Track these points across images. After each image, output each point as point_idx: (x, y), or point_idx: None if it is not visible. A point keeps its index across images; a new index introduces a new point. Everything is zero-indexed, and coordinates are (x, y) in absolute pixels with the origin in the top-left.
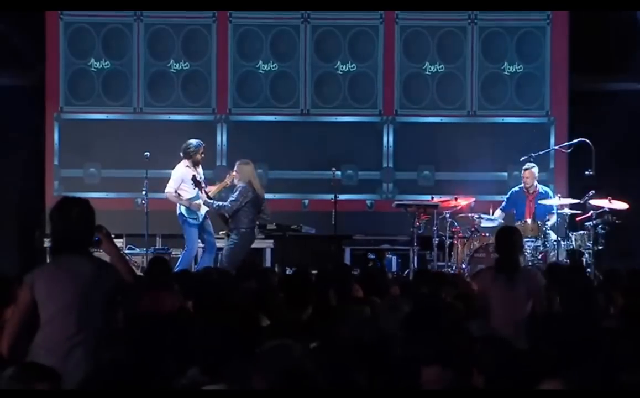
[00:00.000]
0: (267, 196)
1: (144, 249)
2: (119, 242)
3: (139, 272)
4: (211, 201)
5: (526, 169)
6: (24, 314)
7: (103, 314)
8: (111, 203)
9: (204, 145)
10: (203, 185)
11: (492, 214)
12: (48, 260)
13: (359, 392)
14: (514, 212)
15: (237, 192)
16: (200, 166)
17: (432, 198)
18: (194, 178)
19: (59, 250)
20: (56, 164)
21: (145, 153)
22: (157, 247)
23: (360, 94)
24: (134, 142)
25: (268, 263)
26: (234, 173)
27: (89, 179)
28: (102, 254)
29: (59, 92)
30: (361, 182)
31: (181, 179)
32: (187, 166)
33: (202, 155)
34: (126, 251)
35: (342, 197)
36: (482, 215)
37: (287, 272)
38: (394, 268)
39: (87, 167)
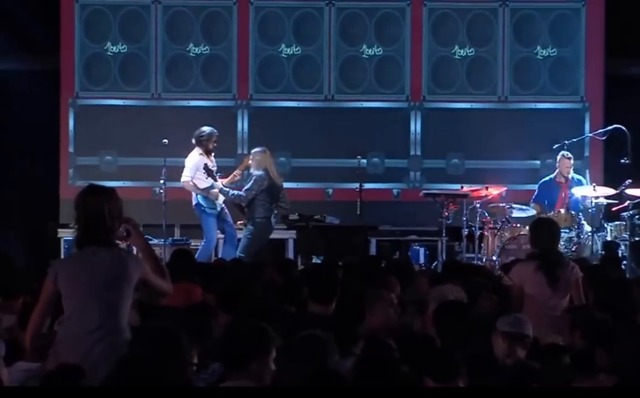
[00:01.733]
0: (290, 185)
1: (162, 240)
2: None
3: None
4: (226, 190)
5: (567, 157)
6: (47, 306)
7: (127, 310)
8: (128, 193)
9: (217, 133)
10: (215, 174)
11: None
12: (62, 252)
13: (366, 389)
14: (545, 202)
15: (252, 181)
16: (212, 155)
17: (462, 187)
18: (205, 167)
19: (84, 241)
20: (71, 151)
21: (164, 140)
22: (175, 237)
23: (387, 79)
24: (151, 129)
25: (290, 255)
26: (249, 161)
27: (105, 167)
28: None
29: (74, 77)
30: (387, 171)
31: (196, 167)
32: (201, 154)
33: (215, 144)
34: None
35: (367, 186)
36: (514, 205)
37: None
38: (422, 260)
39: (103, 154)
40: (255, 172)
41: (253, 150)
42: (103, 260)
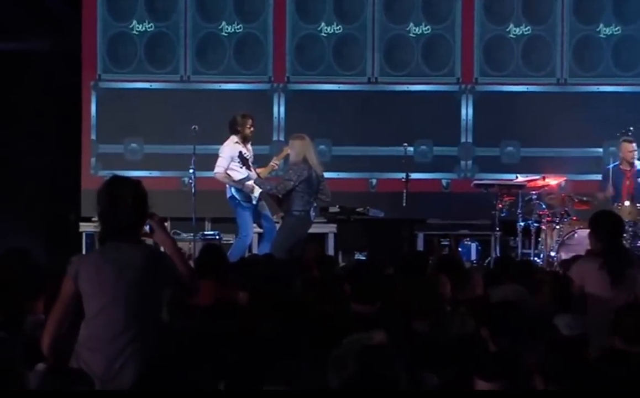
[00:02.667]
0: (330, 175)
1: (192, 234)
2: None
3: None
4: (262, 181)
5: (628, 141)
6: (66, 308)
7: (155, 310)
8: (154, 183)
9: (250, 117)
10: (251, 163)
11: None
12: (84, 247)
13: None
14: (611, 189)
15: (290, 170)
16: (249, 143)
17: (517, 177)
18: (240, 155)
19: (107, 236)
20: (93, 138)
21: (193, 127)
22: (206, 232)
23: (436, 60)
24: (180, 114)
25: (330, 251)
26: (287, 149)
27: (130, 155)
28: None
29: (97, 58)
30: (436, 159)
31: (230, 157)
32: (236, 142)
33: (252, 129)
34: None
35: (414, 175)
36: (574, 197)
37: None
38: (473, 256)
39: (128, 142)
40: (294, 161)
41: (291, 137)
42: (129, 258)
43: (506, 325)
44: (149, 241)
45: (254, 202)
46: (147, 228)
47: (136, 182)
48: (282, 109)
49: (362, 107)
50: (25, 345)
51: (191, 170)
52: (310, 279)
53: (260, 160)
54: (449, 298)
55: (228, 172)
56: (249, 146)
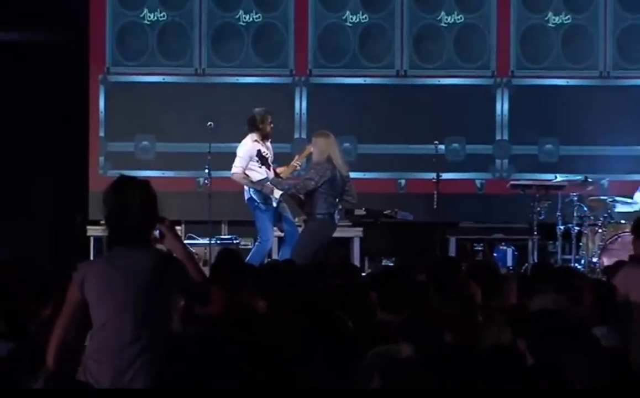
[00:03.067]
0: (355, 175)
1: (207, 239)
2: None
3: (202, 267)
4: (281, 181)
5: None
6: (72, 317)
7: (167, 319)
8: (167, 184)
9: (269, 113)
10: (270, 162)
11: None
12: (92, 252)
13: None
14: None
15: (312, 170)
16: (269, 141)
17: (556, 177)
18: (259, 154)
19: (115, 241)
20: (102, 135)
21: (209, 123)
22: (222, 236)
23: (469, 52)
24: (195, 110)
25: (356, 257)
26: (310, 147)
27: (141, 154)
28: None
29: (105, 49)
30: (469, 158)
31: (249, 156)
32: (256, 140)
33: (271, 126)
34: (186, 241)
35: (446, 176)
36: (617, 198)
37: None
38: (509, 262)
39: (139, 139)
40: (317, 160)
41: (315, 135)
42: (137, 263)
43: (545, 337)
44: (160, 246)
45: (274, 204)
46: (157, 233)
47: (145, 183)
48: (304, 104)
49: (390, 102)
50: (31, 355)
51: (207, 170)
52: (334, 286)
53: (280, 160)
54: (480, 307)
55: (246, 172)
56: (268, 144)
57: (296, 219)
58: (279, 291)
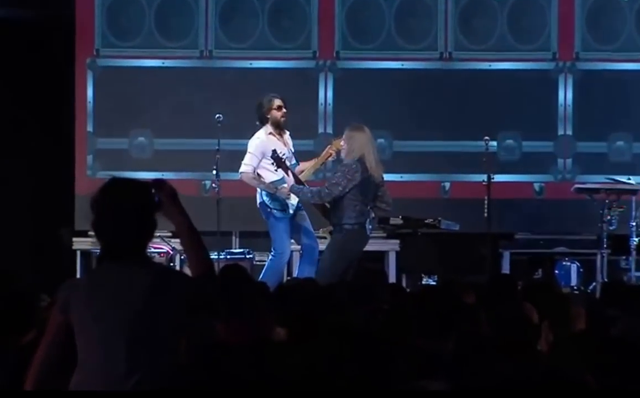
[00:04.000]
0: (391, 177)
1: (216, 253)
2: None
3: None
4: (300, 187)
5: None
6: (55, 346)
7: (167, 349)
8: None
9: (277, 96)
10: (290, 161)
11: None
12: (79, 269)
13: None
14: None
15: (339, 172)
16: (287, 135)
17: (629, 179)
18: (274, 154)
19: (107, 255)
20: (90, 131)
21: (217, 115)
22: (233, 249)
23: (526, 30)
24: (200, 100)
25: (392, 274)
26: (340, 143)
27: (136, 152)
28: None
29: (95, 28)
30: (526, 157)
31: (262, 153)
32: (270, 134)
33: (282, 112)
34: None
35: (498, 178)
36: None
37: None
38: (574, 280)
39: (134, 135)
40: (347, 160)
41: (350, 128)
42: (134, 282)
43: (617, 369)
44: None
45: (291, 212)
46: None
47: (141, 186)
48: (330, 93)
49: (432, 91)
50: (9, 387)
51: (214, 171)
52: (372, 309)
53: (303, 157)
54: (540, 335)
55: (258, 171)
56: (287, 138)
57: (319, 231)
58: (300, 316)
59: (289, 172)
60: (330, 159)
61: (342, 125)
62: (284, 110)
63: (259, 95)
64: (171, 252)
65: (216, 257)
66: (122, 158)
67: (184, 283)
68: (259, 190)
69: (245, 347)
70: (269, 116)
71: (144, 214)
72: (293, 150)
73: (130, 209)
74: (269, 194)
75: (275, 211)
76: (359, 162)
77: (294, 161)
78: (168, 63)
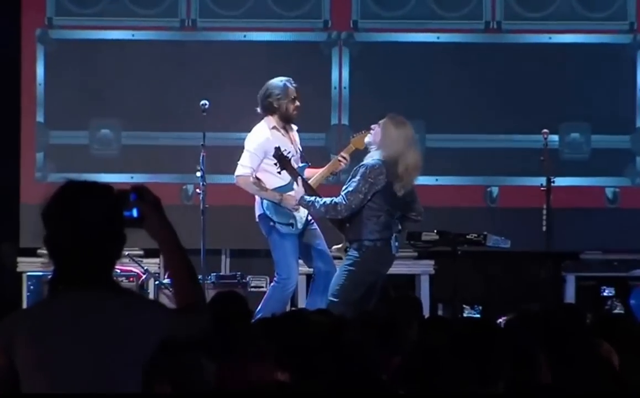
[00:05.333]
0: (423, 180)
1: (200, 276)
2: (153, 264)
3: None
4: (311, 199)
5: None
6: None
7: (139, 390)
8: None
9: (295, 86)
10: (295, 163)
11: None
12: (26, 297)
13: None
14: None
15: (359, 174)
16: (295, 130)
17: None
18: (277, 152)
19: (62, 280)
20: (40, 121)
21: (202, 102)
22: (223, 273)
23: None
24: (180, 83)
25: (425, 302)
26: (365, 136)
27: (99, 148)
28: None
29: None
30: (596, 155)
31: (264, 152)
32: (274, 128)
33: (297, 105)
34: (166, 281)
35: (560, 181)
36: None
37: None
38: None
39: (97, 126)
40: (369, 160)
41: (388, 118)
42: (96, 313)
43: None
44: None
45: (299, 226)
46: (134, 213)
47: (106, 190)
48: (346, 73)
49: (476, 71)
50: None
51: (199, 173)
52: (397, 351)
53: (312, 157)
54: (620, 382)
55: (258, 175)
56: (294, 134)
57: (332, 249)
58: (308, 358)
59: (298, 177)
60: (342, 166)
61: (361, 115)
62: (297, 102)
63: (254, 76)
64: (143, 276)
65: (201, 280)
66: (80, 156)
67: (161, 315)
68: (258, 198)
69: (241, 395)
70: (278, 106)
71: (111, 227)
72: (301, 149)
73: (93, 221)
74: (271, 204)
75: (279, 225)
76: (383, 163)
77: (301, 163)
78: (140, 35)
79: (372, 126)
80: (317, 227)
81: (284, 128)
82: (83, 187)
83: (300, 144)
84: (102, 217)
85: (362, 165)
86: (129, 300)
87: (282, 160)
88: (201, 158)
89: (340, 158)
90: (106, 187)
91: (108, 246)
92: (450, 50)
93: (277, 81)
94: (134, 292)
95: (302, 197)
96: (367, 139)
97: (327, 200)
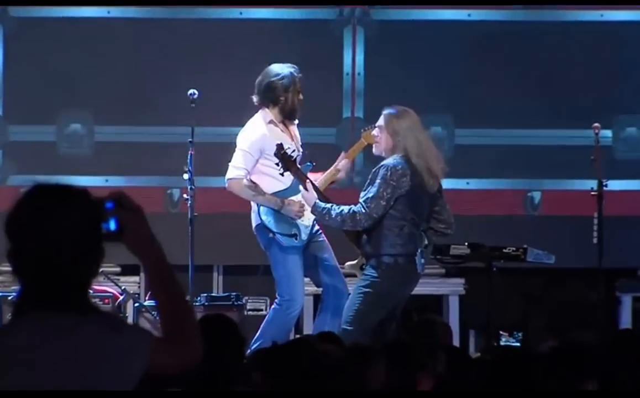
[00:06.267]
0: (451, 184)
1: (188, 297)
2: (132, 283)
3: None
4: (327, 207)
5: None
6: None
7: None
8: None
9: (299, 75)
10: (299, 161)
11: None
12: None
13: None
14: None
15: (378, 178)
16: (296, 123)
17: None
18: (279, 150)
19: (29, 301)
20: None
21: (190, 92)
22: (215, 293)
23: None
24: (165, 68)
25: (454, 328)
26: (370, 133)
27: (68, 145)
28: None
29: None
30: None
31: (259, 150)
32: (271, 123)
33: (300, 98)
34: (147, 302)
35: (614, 185)
36: None
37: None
38: None
39: (65, 120)
40: (390, 160)
41: (385, 113)
42: (68, 341)
43: None
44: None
45: (304, 237)
46: (111, 225)
47: (81, 194)
48: (360, 58)
49: (514, 54)
50: None
51: (186, 175)
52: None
53: (320, 157)
54: None
55: (254, 178)
56: (294, 129)
57: (345, 265)
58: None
59: (307, 181)
60: (340, 176)
61: (378, 106)
62: (301, 96)
63: (252, 61)
64: (120, 297)
65: (189, 301)
66: (46, 155)
67: (145, 343)
68: (255, 206)
69: (241, 395)
70: (285, 99)
71: (87, 239)
72: (302, 149)
73: (66, 232)
74: (270, 212)
75: (280, 237)
76: (406, 162)
77: (304, 164)
78: (116, 12)
79: (374, 132)
80: (324, 238)
81: (283, 122)
82: (54, 191)
83: (302, 140)
84: (77, 228)
85: (382, 165)
86: (108, 326)
87: (285, 159)
88: (189, 157)
89: (338, 167)
90: (81, 192)
91: (83, 262)
92: (483, 30)
93: (282, 68)
94: (114, 315)
95: (315, 204)
96: (375, 151)
97: (345, 208)
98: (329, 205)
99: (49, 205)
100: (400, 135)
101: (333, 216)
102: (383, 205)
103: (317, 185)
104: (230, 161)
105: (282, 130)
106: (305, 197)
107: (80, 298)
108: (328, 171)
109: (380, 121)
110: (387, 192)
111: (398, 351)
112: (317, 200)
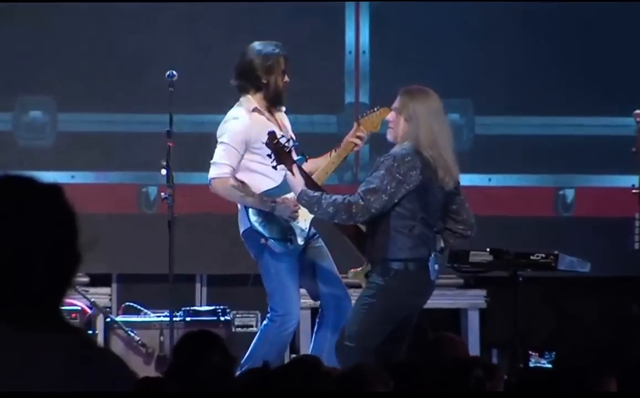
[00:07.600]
0: (470, 180)
1: (167, 312)
2: (102, 295)
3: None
4: (317, 195)
5: None
6: None
7: None
8: (83, 198)
9: (284, 53)
10: (293, 151)
11: None
12: None
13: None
14: None
15: (382, 167)
16: (284, 110)
17: None
18: (271, 139)
19: None
20: None
21: (168, 73)
22: (198, 307)
23: None
24: (139, 47)
25: (474, 346)
26: (381, 114)
27: (27, 136)
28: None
29: None
30: None
31: (244, 143)
32: (255, 110)
33: (287, 79)
34: (121, 318)
35: None
36: None
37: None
38: None
39: (24, 107)
40: (397, 149)
41: (402, 93)
42: (43, 362)
43: None
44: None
45: (300, 242)
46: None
47: (54, 190)
48: (364, 35)
49: (541, 31)
50: None
51: (164, 171)
52: None
53: (318, 148)
54: None
55: (240, 176)
56: (281, 117)
57: (349, 273)
58: None
59: (295, 168)
60: (356, 148)
61: (385, 90)
62: (287, 77)
63: (239, 38)
64: (89, 311)
65: (168, 319)
66: (2, 146)
67: (116, 372)
68: (242, 208)
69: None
70: (267, 82)
71: (61, 242)
72: (294, 137)
73: (36, 234)
74: (261, 214)
75: (272, 243)
76: (416, 153)
77: (297, 156)
78: None
79: (388, 117)
80: (322, 243)
81: (269, 110)
82: (22, 186)
83: (297, 131)
84: (49, 229)
85: (389, 154)
86: (82, 343)
87: (279, 150)
88: (167, 151)
89: (354, 138)
90: (54, 188)
91: (57, 269)
92: (507, 3)
93: (264, 45)
94: (88, 335)
95: (302, 191)
96: (389, 137)
97: (339, 197)
98: (318, 193)
99: (17, 202)
100: (415, 120)
101: (324, 206)
102: (385, 200)
103: (315, 176)
104: (212, 157)
105: (268, 119)
106: (291, 182)
107: (53, 312)
108: (326, 163)
109: (396, 103)
110: (392, 185)
111: (408, 373)
112: (304, 189)
